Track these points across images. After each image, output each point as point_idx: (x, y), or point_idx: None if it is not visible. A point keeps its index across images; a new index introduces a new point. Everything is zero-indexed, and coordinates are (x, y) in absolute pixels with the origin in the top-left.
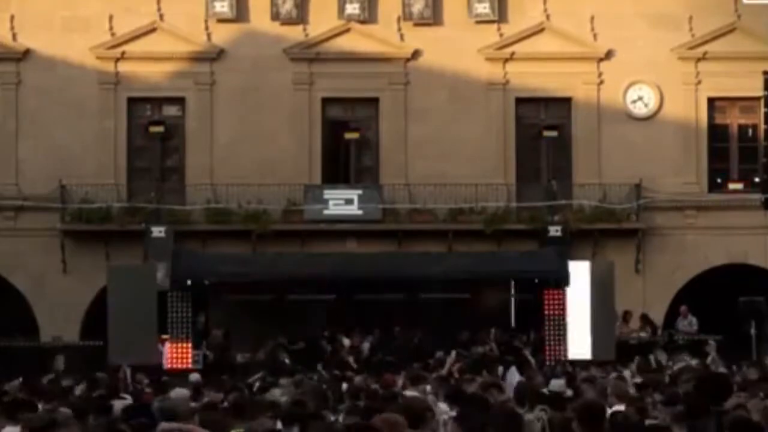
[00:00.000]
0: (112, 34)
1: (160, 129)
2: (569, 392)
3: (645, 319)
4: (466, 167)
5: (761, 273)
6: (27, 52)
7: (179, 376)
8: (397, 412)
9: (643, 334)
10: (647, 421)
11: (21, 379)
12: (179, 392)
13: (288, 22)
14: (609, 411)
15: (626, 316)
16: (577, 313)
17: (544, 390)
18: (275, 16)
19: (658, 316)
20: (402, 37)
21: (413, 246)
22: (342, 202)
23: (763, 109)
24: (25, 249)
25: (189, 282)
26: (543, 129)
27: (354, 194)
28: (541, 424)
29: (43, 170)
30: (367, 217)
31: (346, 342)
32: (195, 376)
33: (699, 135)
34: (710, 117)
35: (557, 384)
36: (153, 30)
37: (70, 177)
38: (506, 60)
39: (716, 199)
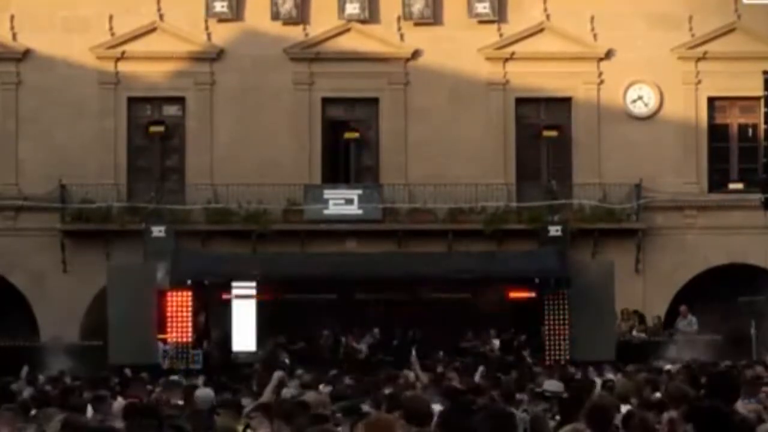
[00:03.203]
0: (112, 34)
1: (160, 129)
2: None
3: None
4: (466, 167)
5: (761, 273)
6: (27, 52)
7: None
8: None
9: (637, 333)
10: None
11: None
12: (203, 392)
13: (288, 22)
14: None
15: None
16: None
17: (539, 390)
18: (275, 16)
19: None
20: (402, 37)
21: (413, 246)
22: (342, 202)
23: (763, 109)
24: (25, 249)
25: (189, 282)
26: (543, 129)
27: (354, 194)
28: (522, 425)
29: (43, 170)
30: (367, 217)
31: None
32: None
33: (699, 135)
34: (710, 117)
35: (553, 384)
36: (153, 30)
37: (70, 177)
38: (506, 60)
39: (716, 199)
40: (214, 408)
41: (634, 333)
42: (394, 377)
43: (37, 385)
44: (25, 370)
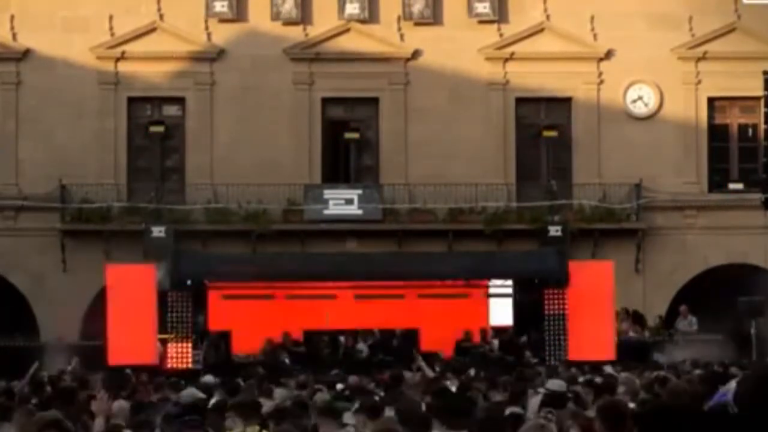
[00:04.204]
0: (112, 34)
1: (160, 129)
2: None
3: (635, 317)
4: (466, 167)
5: (761, 273)
6: (27, 52)
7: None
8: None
9: (632, 333)
10: None
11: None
12: (189, 392)
13: (288, 22)
14: None
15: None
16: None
17: (541, 390)
18: (275, 16)
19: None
20: (402, 37)
21: (413, 246)
22: (342, 202)
23: (763, 109)
24: (25, 249)
25: (189, 282)
26: (543, 129)
27: (354, 194)
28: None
29: (43, 170)
30: (367, 217)
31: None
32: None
33: (699, 135)
34: (710, 117)
35: (556, 384)
36: (153, 30)
37: (70, 177)
38: (506, 60)
39: (716, 199)
40: (220, 408)
41: (631, 333)
42: (400, 377)
43: (43, 385)
44: (35, 366)
